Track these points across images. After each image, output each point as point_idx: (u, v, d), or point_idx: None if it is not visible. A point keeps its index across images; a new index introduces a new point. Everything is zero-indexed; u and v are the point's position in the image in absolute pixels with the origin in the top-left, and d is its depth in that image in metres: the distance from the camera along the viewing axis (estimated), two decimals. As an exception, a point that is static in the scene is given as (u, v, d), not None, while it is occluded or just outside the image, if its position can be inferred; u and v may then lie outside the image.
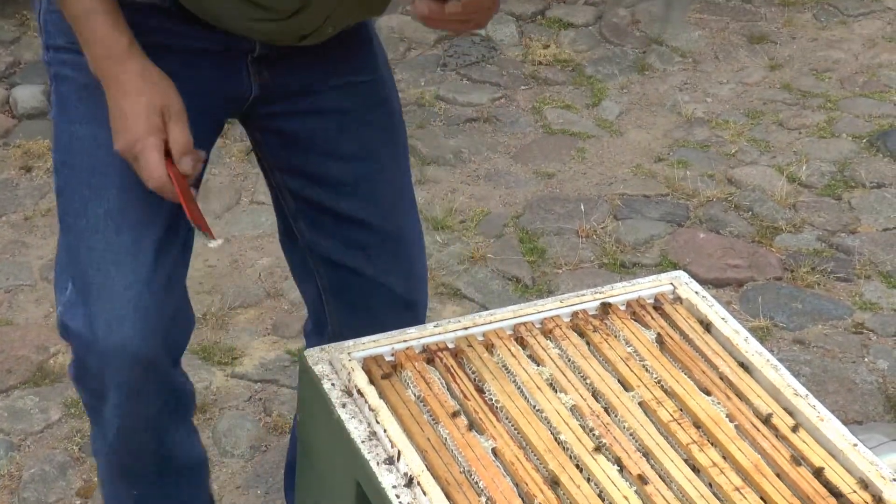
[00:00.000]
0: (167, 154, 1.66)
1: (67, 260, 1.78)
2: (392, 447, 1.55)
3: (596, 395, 1.69)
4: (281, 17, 1.71)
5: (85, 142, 1.75)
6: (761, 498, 1.55)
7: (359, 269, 1.95)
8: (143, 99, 1.65)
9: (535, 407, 1.66)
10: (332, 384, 1.67)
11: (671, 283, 1.90)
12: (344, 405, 1.64)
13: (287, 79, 1.85)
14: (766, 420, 1.67)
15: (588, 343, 1.79)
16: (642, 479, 1.55)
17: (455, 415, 1.62)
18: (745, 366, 1.76)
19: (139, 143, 1.65)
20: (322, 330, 2.08)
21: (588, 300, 1.85)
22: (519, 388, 1.69)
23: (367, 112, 1.93)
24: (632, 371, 1.73)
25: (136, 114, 1.65)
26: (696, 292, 1.89)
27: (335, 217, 1.93)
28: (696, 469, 1.58)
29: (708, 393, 1.71)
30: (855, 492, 1.56)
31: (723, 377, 1.74)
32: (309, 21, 1.73)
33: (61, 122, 1.79)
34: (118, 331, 1.70)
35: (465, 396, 1.66)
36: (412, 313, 2.00)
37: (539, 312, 1.82)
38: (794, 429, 1.66)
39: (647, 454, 1.60)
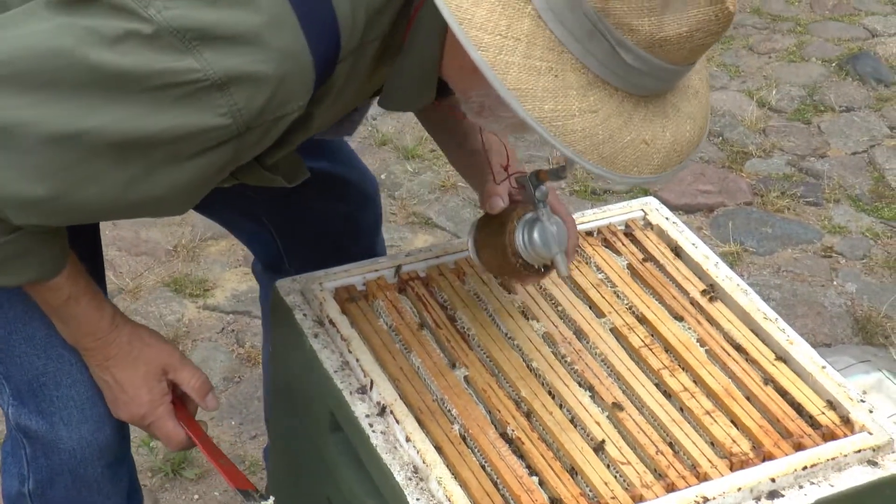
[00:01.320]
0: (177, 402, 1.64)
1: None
2: (364, 376, 1.56)
3: (567, 321, 1.70)
4: None
5: None
6: (731, 421, 1.56)
7: (308, 201, 1.91)
8: (140, 370, 1.58)
9: (506, 335, 1.66)
10: (304, 314, 1.67)
11: (642, 210, 1.90)
12: (316, 335, 1.64)
13: None
14: (736, 345, 1.68)
15: (559, 270, 1.79)
16: (615, 406, 1.56)
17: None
18: (715, 290, 1.77)
19: (148, 416, 1.61)
20: (278, 267, 2.04)
21: (559, 227, 1.85)
22: (491, 315, 1.69)
23: None
24: (603, 297, 1.73)
25: (137, 386, 1.59)
26: (667, 218, 1.89)
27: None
28: (667, 394, 1.59)
29: (679, 318, 1.72)
30: (823, 413, 1.58)
31: (693, 302, 1.74)
32: None
33: None
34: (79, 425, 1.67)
35: (436, 325, 1.66)
36: (373, 205, 2.02)
37: (510, 240, 1.82)
38: (764, 352, 1.67)
39: (618, 380, 1.61)
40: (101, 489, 1.75)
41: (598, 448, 1.50)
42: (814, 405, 1.59)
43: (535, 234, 1.51)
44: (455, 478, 1.44)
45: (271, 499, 1.80)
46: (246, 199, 1.86)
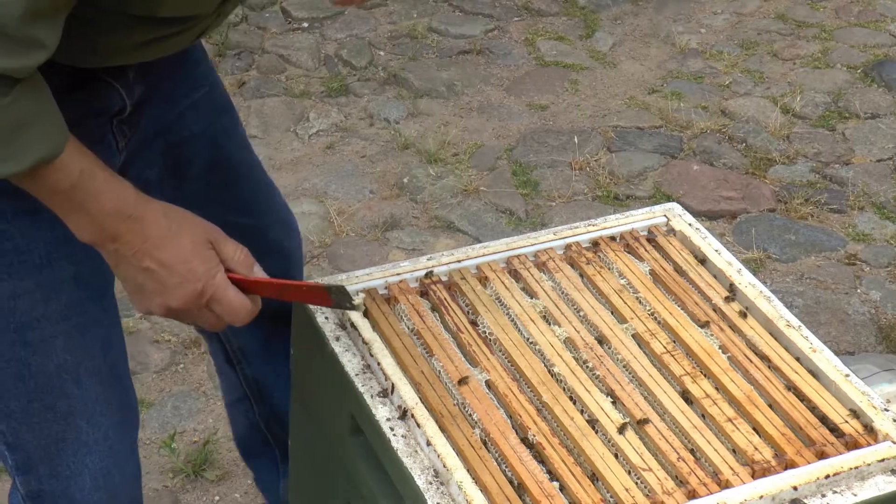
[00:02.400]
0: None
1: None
2: (386, 380, 1.56)
3: (589, 327, 1.69)
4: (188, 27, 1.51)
5: None
6: (754, 428, 1.55)
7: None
8: (185, 242, 1.43)
9: (528, 339, 1.66)
10: (326, 318, 1.67)
11: (665, 215, 1.90)
12: (338, 338, 1.64)
13: (150, 121, 1.66)
14: (759, 352, 1.67)
15: (581, 275, 1.79)
16: (636, 412, 1.55)
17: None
18: (737, 296, 1.76)
19: (207, 289, 1.45)
20: (213, 335, 2.03)
21: (581, 232, 1.85)
22: (512, 320, 1.69)
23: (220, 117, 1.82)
24: (625, 303, 1.73)
25: (187, 260, 1.43)
26: (690, 224, 1.88)
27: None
28: (689, 400, 1.59)
29: (701, 325, 1.71)
30: (847, 421, 1.57)
31: (716, 309, 1.74)
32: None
33: None
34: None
35: (458, 329, 1.66)
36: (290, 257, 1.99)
37: (532, 245, 1.82)
38: (787, 360, 1.66)
39: (640, 386, 1.60)
40: None
41: (623, 428, 1.49)
42: (837, 413, 1.58)
43: None
44: (475, 482, 1.43)
45: (361, 296, 1.65)
46: None
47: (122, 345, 1.66)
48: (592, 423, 1.54)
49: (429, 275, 1.74)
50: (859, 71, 4.15)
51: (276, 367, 2.05)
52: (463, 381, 1.56)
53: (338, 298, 1.57)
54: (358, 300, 1.61)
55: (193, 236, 1.45)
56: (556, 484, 1.46)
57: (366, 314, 1.67)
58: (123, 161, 1.63)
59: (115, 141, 1.59)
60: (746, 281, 1.78)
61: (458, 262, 1.78)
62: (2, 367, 1.53)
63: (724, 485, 1.46)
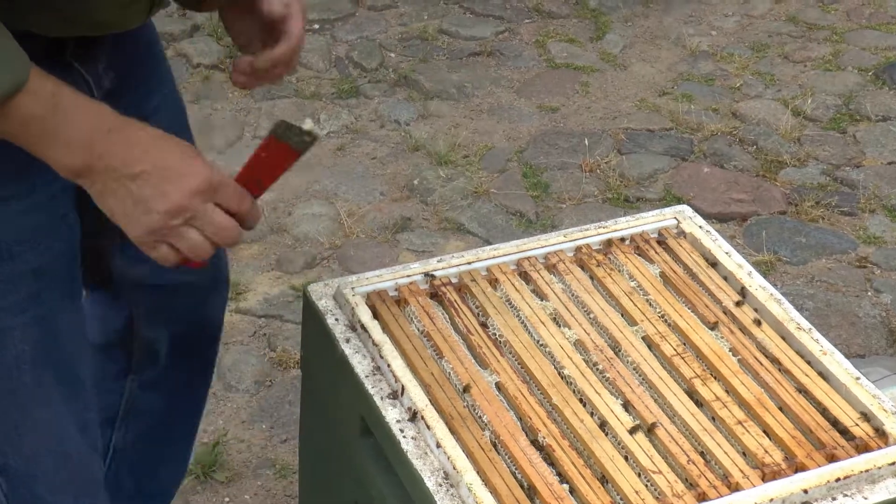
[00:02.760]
0: None
1: None
2: (396, 382, 1.56)
3: (600, 329, 1.69)
4: None
5: None
6: (764, 431, 1.55)
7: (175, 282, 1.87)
8: (174, 144, 1.36)
9: (538, 341, 1.66)
10: (336, 319, 1.67)
11: (675, 218, 1.90)
12: (348, 340, 1.64)
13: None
14: (769, 354, 1.67)
15: (592, 277, 1.79)
16: (646, 414, 1.55)
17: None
18: (747, 299, 1.76)
19: (214, 178, 1.36)
20: (121, 344, 1.97)
21: (592, 235, 1.85)
22: (523, 322, 1.69)
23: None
24: (635, 305, 1.73)
25: (185, 154, 1.36)
26: (700, 227, 1.88)
27: None
28: (699, 403, 1.59)
29: (711, 327, 1.71)
30: (857, 424, 1.57)
31: (726, 311, 1.74)
32: None
33: None
34: None
35: (468, 331, 1.66)
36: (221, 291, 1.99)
37: (543, 247, 1.82)
38: (797, 362, 1.66)
39: (650, 388, 1.60)
40: None
41: (634, 430, 1.49)
42: (847, 416, 1.58)
43: None
44: (485, 484, 1.43)
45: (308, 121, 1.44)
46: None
47: (81, 335, 1.65)
48: (602, 425, 1.54)
49: (428, 276, 1.73)
50: (870, 73, 4.14)
51: (164, 396, 2.03)
52: (466, 388, 1.56)
53: (292, 140, 1.39)
54: (308, 125, 1.37)
55: (180, 143, 1.38)
56: (566, 486, 1.46)
57: (376, 316, 1.67)
58: None
59: None
60: (757, 283, 1.77)
61: (469, 263, 1.78)
62: None
63: (735, 487, 1.46)
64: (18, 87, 1.26)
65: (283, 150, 1.39)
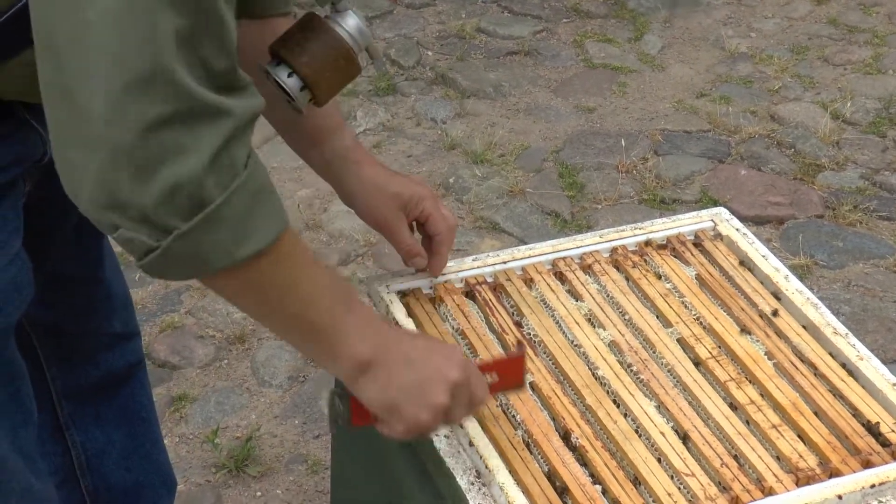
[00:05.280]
0: None
1: None
2: (430, 380, 1.56)
3: (634, 331, 1.69)
4: None
5: None
6: (799, 436, 1.54)
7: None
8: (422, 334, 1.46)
9: (573, 342, 1.66)
10: (371, 316, 1.67)
11: (712, 220, 1.89)
12: (382, 337, 1.64)
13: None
14: (805, 359, 1.66)
15: (627, 279, 1.78)
16: (680, 417, 1.55)
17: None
18: (784, 303, 1.75)
19: (468, 365, 1.40)
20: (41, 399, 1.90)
21: (628, 236, 1.85)
22: (557, 322, 1.69)
23: None
24: (671, 307, 1.72)
25: (439, 341, 1.48)
26: (737, 229, 1.87)
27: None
28: (733, 406, 1.58)
29: (747, 331, 1.70)
30: (893, 431, 1.55)
31: (762, 315, 1.73)
32: None
33: None
34: None
35: (503, 330, 1.66)
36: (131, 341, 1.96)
37: (578, 247, 1.82)
38: (833, 367, 1.65)
39: (684, 390, 1.60)
40: None
41: (684, 437, 1.49)
42: (883, 422, 1.57)
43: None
44: (517, 484, 1.43)
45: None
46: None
47: (23, 372, 1.62)
48: (636, 427, 1.53)
49: (447, 282, 1.73)
50: (911, 77, 4.11)
51: (108, 433, 1.99)
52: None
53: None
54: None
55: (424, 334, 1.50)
56: (598, 487, 1.45)
57: (410, 314, 1.67)
58: (26, 200, 1.52)
59: (24, 183, 1.50)
60: (794, 287, 1.76)
61: (504, 263, 1.78)
62: None
63: (768, 492, 1.45)
64: (284, 230, 1.23)
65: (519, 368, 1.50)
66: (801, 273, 3.17)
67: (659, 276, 1.78)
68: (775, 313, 1.72)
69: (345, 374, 1.34)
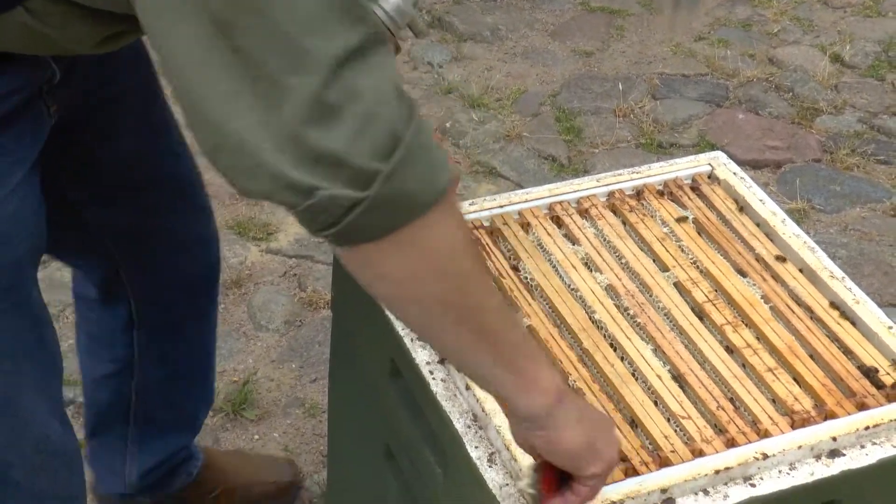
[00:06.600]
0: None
1: None
2: (426, 324, 1.56)
3: (631, 274, 1.69)
4: None
5: None
6: (794, 379, 1.55)
7: (153, 226, 1.89)
8: (598, 414, 1.31)
9: (569, 286, 1.66)
10: (367, 260, 1.67)
11: (709, 164, 1.88)
12: (379, 281, 1.64)
13: (81, 80, 1.56)
14: (801, 302, 1.66)
15: (624, 223, 1.78)
16: (677, 360, 1.55)
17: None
18: (780, 247, 1.75)
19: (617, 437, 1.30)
20: (117, 297, 2.01)
21: (625, 180, 1.84)
22: (554, 266, 1.69)
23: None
24: (667, 251, 1.72)
25: (599, 412, 1.35)
26: (735, 173, 1.87)
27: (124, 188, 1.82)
28: (729, 350, 1.58)
29: (744, 274, 1.70)
30: (888, 373, 1.56)
31: (759, 259, 1.73)
32: None
33: None
34: None
35: (500, 274, 1.66)
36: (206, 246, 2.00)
37: (575, 191, 1.81)
38: (829, 311, 1.65)
39: (681, 334, 1.60)
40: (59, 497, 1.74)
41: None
42: (879, 365, 1.57)
43: None
44: (514, 427, 1.44)
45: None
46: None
47: (46, 313, 1.64)
48: (633, 370, 1.54)
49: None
50: (911, 20, 4.09)
51: (177, 342, 2.07)
52: None
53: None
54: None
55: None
56: (594, 430, 1.46)
57: (407, 258, 1.67)
58: (55, 125, 1.53)
59: (46, 107, 1.49)
60: (790, 231, 1.76)
61: (500, 207, 1.77)
62: None
63: (763, 434, 1.46)
64: (453, 183, 1.12)
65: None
66: (798, 217, 3.17)
67: (656, 220, 1.78)
68: (780, 258, 1.72)
69: (540, 405, 1.19)
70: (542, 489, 1.26)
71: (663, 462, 1.42)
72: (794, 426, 1.48)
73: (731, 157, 1.95)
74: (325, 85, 1.00)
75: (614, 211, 1.80)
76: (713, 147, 3.39)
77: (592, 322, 1.61)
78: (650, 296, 1.65)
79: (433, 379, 1.51)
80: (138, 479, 2.24)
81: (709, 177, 1.87)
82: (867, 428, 1.47)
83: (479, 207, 1.77)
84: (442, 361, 1.52)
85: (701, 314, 1.64)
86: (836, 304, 1.66)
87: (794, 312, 1.64)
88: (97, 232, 1.86)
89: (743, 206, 1.82)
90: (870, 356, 1.58)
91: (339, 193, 1.02)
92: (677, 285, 1.68)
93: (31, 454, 1.65)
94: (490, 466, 1.40)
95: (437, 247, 1.09)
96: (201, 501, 2.29)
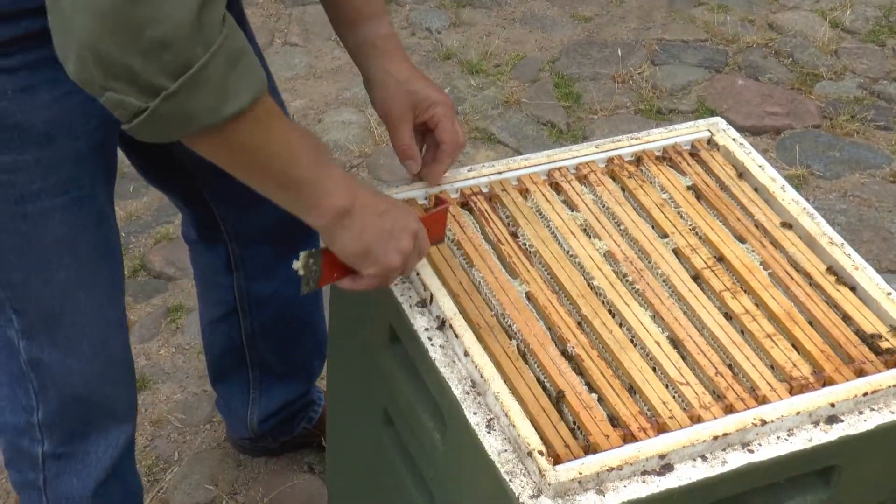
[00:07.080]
0: None
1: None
2: (425, 290, 1.56)
3: (630, 241, 1.69)
4: None
5: None
6: (793, 345, 1.55)
7: None
8: (387, 201, 1.48)
9: (568, 252, 1.66)
10: (366, 227, 1.67)
11: (708, 130, 1.88)
12: (377, 248, 1.64)
13: None
14: (800, 268, 1.66)
15: (623, 189, 1.78)
16: (675, 327, 1.55)
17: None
18: (780, 214, 1.75)
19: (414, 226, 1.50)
20: (216, 238, 2.07)
21: (624, 146, 1.84)
22: (553, 232, 1.69)
23: None
24: (666, 217, 1.72)
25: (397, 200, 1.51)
26: (734, 139, 1.86)
27: None
28: (728, 316, 1.58)
29: (742, 240, 1.70)
30: (887, 339, 1.56)
31: (758, 225, 1.72)
32: None
33: None
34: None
35: (498, 241, 1.66)
36: None
37: (574, 157, 1.81)
38: (828, 277, 1.65)
39: (679, 300, 1.60)
40: (114, 412, 1.81)
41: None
42: (878, 331, 1.57)
43: None
44: (512, 393, 1.44)
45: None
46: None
47: (114, 221, 1.70)
48: (631, 336, 1.54)
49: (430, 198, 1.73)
50: (911, -15, 4.07)
51: (276, 285, 2.10)
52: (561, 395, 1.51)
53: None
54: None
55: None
56: (594, 395, 1.46)
57: (406, 224, 1.66)
58: None
59: None
60: (789, 197, 1.76)
61: (499, 173, 1.77)
62: (2, 238, 1.58)
63: (762, 400, 1.46)
64: (262, 95, 1.26)
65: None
66: (798, 183, 3.16)
67: (655, 187, 1.78)
68: (785, 225, 1.72)
69: (324, 223, 1.40)
70: (323, 269, 1.47)
71: (661, 428, 1.42)
72: (792, 392, 1.48)
73: (731, 123, 1.95)
74: (134, 2, 1.11)
75: (613, 177, 1.79)
76: (712, 113, 3.38)
77: (591, 288, 1.61)
78: (649, 262, 1.65)
79: (432, 345, 1.51)
80: (259, 423, 2.32)
81: (708, 143, 1.87)
82: (865, 394, 1.47)
83: (478, 174, 1.76)
84: (440, 327, 1.52)
85: (700, 280, 1.64)
86: (834, 271, 1.66)
87: (792, 279, 1.64)
88: (189, 173, 1.89)
89: (742, 173, 1.81)
90: (869, 322, 1.58)
91: (124, 100, 1.17)
92: (676, 252, 1.67)
93: (90, 359, 1.69)
94: (489, 432, 1.40)
95: (242, 145, 1.27)
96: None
